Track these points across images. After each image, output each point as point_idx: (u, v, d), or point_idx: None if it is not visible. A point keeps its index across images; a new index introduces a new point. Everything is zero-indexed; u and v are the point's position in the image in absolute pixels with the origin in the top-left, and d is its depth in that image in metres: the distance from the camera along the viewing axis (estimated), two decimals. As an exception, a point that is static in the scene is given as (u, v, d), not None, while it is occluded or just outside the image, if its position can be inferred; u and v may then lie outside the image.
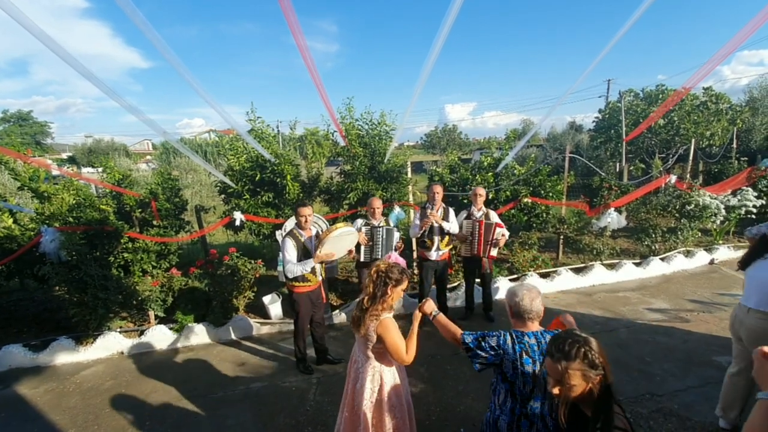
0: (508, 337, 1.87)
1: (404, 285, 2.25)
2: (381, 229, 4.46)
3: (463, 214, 4.82)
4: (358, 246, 4.32)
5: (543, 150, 19.26)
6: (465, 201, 6.60)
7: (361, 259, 4.52)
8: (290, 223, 5.06)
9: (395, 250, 4.45)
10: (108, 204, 5.30)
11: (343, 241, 3.72)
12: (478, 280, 5.07)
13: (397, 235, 4.57)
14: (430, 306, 2.19)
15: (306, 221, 3.75)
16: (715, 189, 6.96)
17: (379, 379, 2.28)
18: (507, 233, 4.78)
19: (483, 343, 1.89)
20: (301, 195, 6.06)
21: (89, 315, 4.47)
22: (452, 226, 4.61)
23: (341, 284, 6.09)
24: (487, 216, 4.71)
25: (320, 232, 3.89)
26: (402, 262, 2.95)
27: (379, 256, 4.38)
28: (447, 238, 4.65)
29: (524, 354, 1.82)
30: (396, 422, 2.30)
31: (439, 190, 4.59)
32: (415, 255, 6.43)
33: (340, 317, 5.11)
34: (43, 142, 35.25)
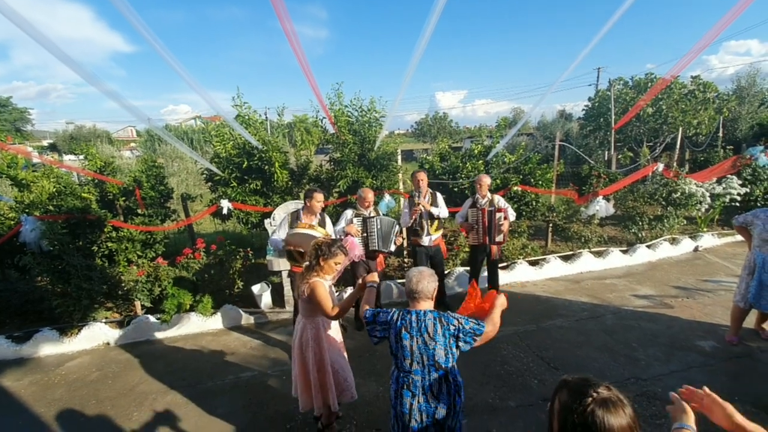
0: (396, 314, 2.07)
1: (337, 259, 2.56)
2: (375, 219, 4.29)
3: (469, 202, 4.77)
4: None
5: (533, 138, 19.32)
6: (455, 189, 6.59)
7: None
8: (279, 212, 4.99)
9: (394, 243, 4.34)
10: (90, 192, 5.16)
11: (309, 240, 3.64)
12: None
13: (397, 228, 4.39)
14: (373, 277, 2.45)
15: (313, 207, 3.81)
16: (701, 176, 7.05)
17: (314, 332, 2.63)
18: (512, 216, 4.75)
19: (377, 318, 2.10)
20: (290, 183, 5.98)
21: (73, 306, 4.38)
22: (441, 210, 4.57)
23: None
24: (491, 203, 4.66)
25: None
26: (356, 247, 3.43)
27: (377, 248, 4.28)
28: (436, 222, 4.63)
29: (404, 329, 2.00)
30: (336, 376, 2.68)
31: (422, 177, 4.56)
32: (406, 243, 6.42)
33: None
34: (23, 128, 34.15)
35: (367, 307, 2.24)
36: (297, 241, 3.62)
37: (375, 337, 2.11)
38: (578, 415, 1.18)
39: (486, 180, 4.70)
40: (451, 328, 1.99)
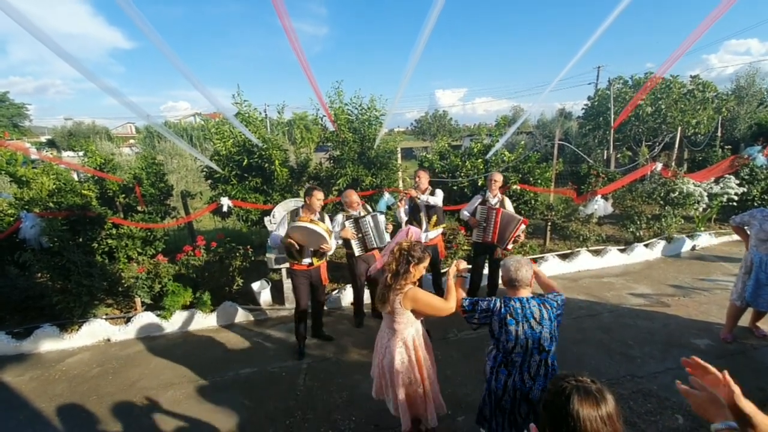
0: (498, 302, 2.18)
1: (426, 263, 2.45)
2: (366, 218, 4.27)
3: (478, 199, 4.72)
4: (348, 241, 4.23)
5: (532, 137, 19.30)
6: (454, 188, 6.62)
7: (356, 254, 4.30)
8: (279, 209, 5.01)
9: (387, 233, 4.35)
10: (90, 189, 5.17)
11: (311, 235, 3.62)
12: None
13: (382, 218, 4.42)
14: (464, 265, 2.51)
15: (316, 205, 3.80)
16: (699, 176, 7.08)
17: (405, 349, 2.47)
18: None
19: (476, 307, 2.23)
20: (290, 181, 5.99)
21: (73, 302, 4.40)
22: (437, 200, 4.59)
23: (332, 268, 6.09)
24: (502, 203, 4.62)
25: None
26: (417, 232, 3.16)
27: (375, 245, 4.29)
28: (435, 218, 4.61)
29: (509, 315, 2.12)
30: (427, 384, 2.53)
31: (421, 174, 4.65)
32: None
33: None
34: (20, 124, 33.98)
35: (464, 296, 2.35)
36: (298, 235, 3.63)
37: (474, 324, 2.25)
38: (556, 398, 1.20)
39: (499, 177, 4.62)
40: (554, 307, 2.16)
